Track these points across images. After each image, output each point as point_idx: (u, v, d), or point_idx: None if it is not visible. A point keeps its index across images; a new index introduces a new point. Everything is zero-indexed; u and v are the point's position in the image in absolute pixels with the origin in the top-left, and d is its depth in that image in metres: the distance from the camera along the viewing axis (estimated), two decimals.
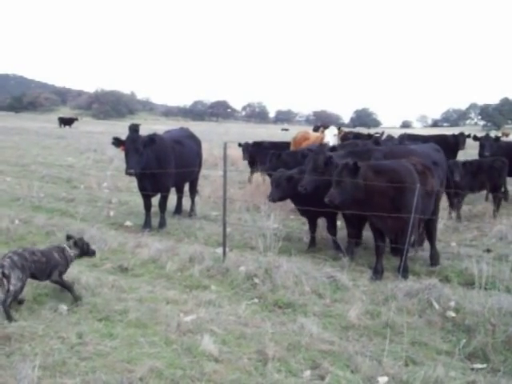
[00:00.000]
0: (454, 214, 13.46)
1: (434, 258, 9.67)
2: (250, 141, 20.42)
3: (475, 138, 18.42)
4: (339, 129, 18.73)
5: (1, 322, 6.51)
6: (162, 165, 11.85)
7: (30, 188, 15.51)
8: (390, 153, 10.46)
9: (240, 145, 19.88)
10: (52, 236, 10.82)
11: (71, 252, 7.68)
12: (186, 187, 14.27)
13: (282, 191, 10.03)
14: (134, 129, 11.60)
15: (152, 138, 11.64)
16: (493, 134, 22.12)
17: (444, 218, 12.32)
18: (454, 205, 13.57)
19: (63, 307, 7.10)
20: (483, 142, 17.70)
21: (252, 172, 18.92)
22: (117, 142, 11.67)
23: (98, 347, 6.04)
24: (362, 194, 8.50)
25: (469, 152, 21.36)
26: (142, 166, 11.36)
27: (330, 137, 16.98)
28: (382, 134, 23.26)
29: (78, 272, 8.37)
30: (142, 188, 12.14)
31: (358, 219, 9.80)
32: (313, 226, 10.70)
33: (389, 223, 8.75)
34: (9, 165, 22.23)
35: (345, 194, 8.49)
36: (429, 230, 10.02)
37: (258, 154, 18.70)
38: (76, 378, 5.28)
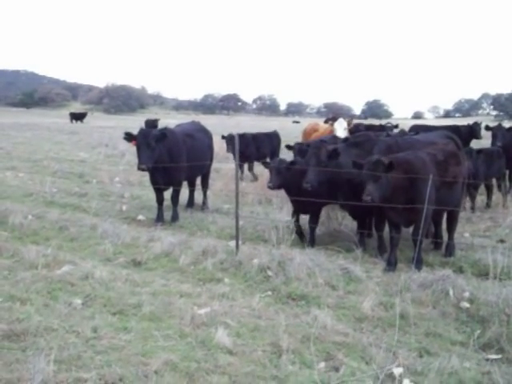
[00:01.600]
0: (468, 205, 13.39)
1: (450, 250, 9.64)
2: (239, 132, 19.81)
3: (487, 128, 18.28)
4: (349, 120, 18.64)
5: (16, 317, 6.56)
6: (174, 158, 11.86)
7: (43, 183, 15.59)
8: (395, 144, 10.37)
9: (223, 137, 19.46)
10: (65, 231, 10.87)
11: None
12: (198, 181, 14.26)
13: (282, 179, 10.01)
14: (151, 124, 11.63)
15: (163, 133, 11.62)
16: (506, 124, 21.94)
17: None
18: (471, 195, 13.47)
19: (77, 301, 7.14)
20: (495, 131, 17.57)
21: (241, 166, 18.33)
22: (128, 136, 11.67)
23: (112, 341, 6.06)
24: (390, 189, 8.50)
25: (481, 142, 21.21)
26: (154, 160, 11.36)
27: (340, 130, 16.93)
28: (397, 125, 23.14)
29: (91, 266, 8.41)
30: (154, 182, 12.15)
31: (367, 211, 9.77)
32: (297, 216, 10.70)
33: (404, 215, 8.73)
34: (21, 160, 22.29)
35: (382, 191, 8.45)
36: (449, 220, 9.96)
37: (240, 146, 18.26)
38: (91, 372, 5.29)
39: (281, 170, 9.96)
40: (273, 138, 20.07)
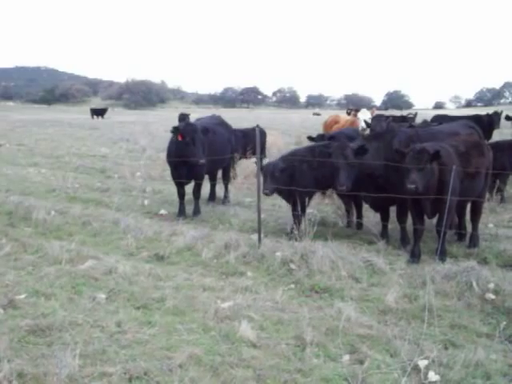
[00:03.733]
0: (491, 196, 13.21)
1: (474, 241, 9.55)
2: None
3: (507, 118, 18.10)
4: (372, 110, 18.53)
5: (41, 312, 6.61)
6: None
7: (65, 179, 15.67)
8: (415, 135, 10.29)
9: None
10: (88, 226, 10.93)
11: None
12: (219, 174, 14.28)
13: (276, 182, 9.97)
14: (183, 118, 11.74)
15: (206, 128, 11.88)
16: None
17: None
18: (497, 186, 13.29)
19: (101, 296, 7.19)
20: None
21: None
22: (176, 131, 11.68)
23: (136, 335, 6.10)
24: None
25: (504, 132, 20.99)
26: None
27: (367, 119, 16.84)
28: (416, 115, 23.00)
29: (114, 261, 8.45)
30: (176, 176, 12.17)
31: (389, 203, 9.72)
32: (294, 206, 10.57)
33: (429, 206, 8.67)
34: (43, 157, 22.46)
35: (426, 180, 8.34)
36: (474, 211, 9.87)
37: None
38: (116, 366, 5.32)
39: (274, 173, 9.92)
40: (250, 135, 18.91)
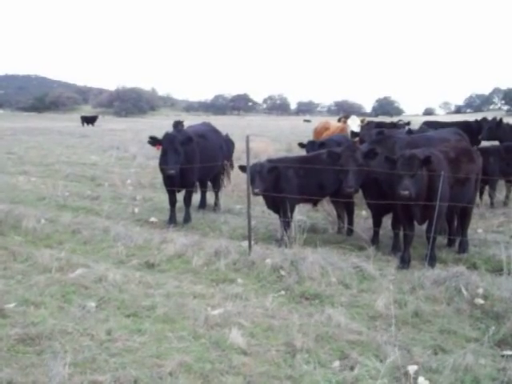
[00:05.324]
0: (480, 201, 13.27)
1: (463, 246, 9.60)
2: None
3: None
4: (362, 120, 18.59)
5: (31, 321, 6.59)
6: (189, 160, 11.90)
7: (55, 187, 15.63)
8: (412, 141, 10.40)
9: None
10: (78, 234, 10.90)
11: None
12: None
13: (264, 182, 10.00)
14: (176, 125, 11.82)
15: (189, 137, 11.82)
16: None
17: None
18: (488, 192, 13.36)
19: (91, 304, 7.16)
20: (483, 124, 17.79)
21: None
22: (153, 140, 11.80)
23: (126, 343, 6.09)
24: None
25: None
26: (180, 164, 11.54)
27: (355, 127, 16.91)
28: (409, 123, 23.05)
29: (104, 269, 8.44)
30: (168, 184, 12.17)
31: (384, 208, 9.75)
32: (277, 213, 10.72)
33: (419, 212, 8.71)
34: (33, 165, 22.38)
35: (417, 185, 8.40)
36: (463, 217, 9.91)
37: None
38: (106, 374, 5.31)
39: (263, 173, 9.95)
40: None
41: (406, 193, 8.25)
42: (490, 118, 19.97)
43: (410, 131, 14.32)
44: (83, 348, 5.92)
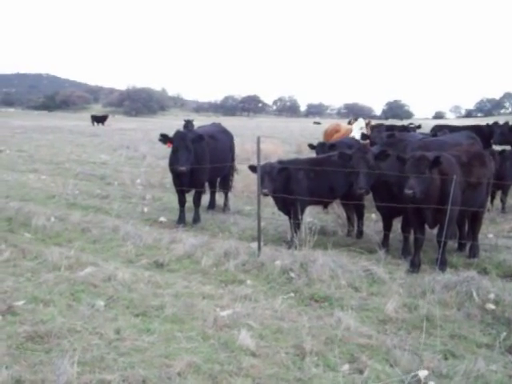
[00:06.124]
0: (491, 206, 13.18)
1: (474, 251, 9.54)
2: None
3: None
4: (368, 123, 18.55)
5: (40, 318, 6.59)
6: (199, 160, 11.90)
7: (65, 186, 15.64)
8: (424, 145, 10.37)
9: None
10: (87, 233, 10.92)
11: None
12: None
13: (274, 183, 9.97)
14: (187, 125, 11.80)
15: (200, 135, 11.83)
16: None
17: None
18: (500, 197, 13.28)
19: (100, 303, 7.16)
20: (495, 129, 17.67)
21: None
22: (164, 138, 11.82)
23: (135, 343, 6.07)
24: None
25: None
26: (191, 162, 11.54)
27: (356, 130, 16.91)
28: (419, 126, 22.98)
29: (114, 268, 8.44)
30: (177, 184, 12.18)
31: (394, 211, 9.70)
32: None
33: (430, 215, 8.67)
34: (44, 163, 22.44)
35: (424, 186, 8.36)
36: (474, 221, 9.85)
37: None
38: (115, 374, 5.30)
39: (273, 174, 9.94)
40: None
41: (410, 192, 8.22)
42: (501, 122, 19.90)
43: (435, 134, 14.25)
44: (92, 347, 5.92)
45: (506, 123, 18.68)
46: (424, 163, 8.30)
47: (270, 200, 11.15)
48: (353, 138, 14.83)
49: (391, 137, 13.10)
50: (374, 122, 21.23)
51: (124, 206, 13.62)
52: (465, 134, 12.32)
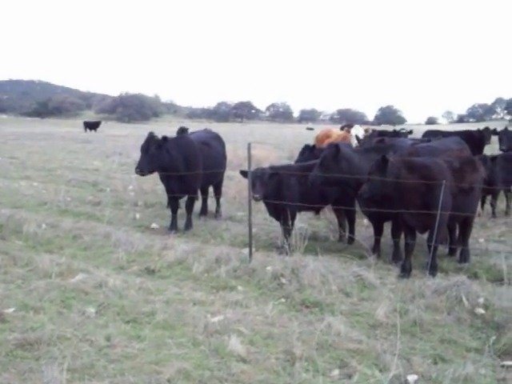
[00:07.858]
0: (481, 211, 13.25)
1: (464, 255, 9.59)
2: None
3: (494, 133, 18.25)
4: (367, 130, 18.60)
5: (30, 326, 6.58)
6: (191, 167, 11.92)
7: (57, 192, 15.62)
8: (415, 151, 10.39)
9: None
10: (79, 239, 10.91)
11: None
12: (210, 188, 14.28)
13: (265, 188, 10.04)
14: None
15: (164, 137, 11.81)
16: None
17: None
18: (490, 201, 13.35)
19: (91, 310, 7.15)
20: (501, 136, 17.58)
21: None
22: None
23: (125, 349, 6.07)
24: (391, 189, 8.50)
25: (496, 147, 21.09)
26: (154, 166, 11.67)
27: (354, 138, 16.94)
28: (411, 131, 23.06)
29: (105, 275, 8.43)
30: (169, 190, 12.21)
31: (381, 216, 9.73)
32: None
33: (420, 220, 8.71)
34: (36, 170, 22.40)
35: (374, 189, 8.54)
36: (464, 226, 9.89)
37: None
38: (104, 381, 5.30)
39: (264, 179, 9.98)
40: None
41: (366, 195, 8.71)
42: (491, 127, 19.96)
43: (429, 140, 14.25)
44: (82, 354, 5.91)
45: None
46: (383, 165, 8.54)
47: (261, 206, 11.17)
48: (344, 144, 14.86)
49: (381, 142, 13.16)
50: (371, 130, 21.24)
51: (116, 213, 13.61)
52: (453, 140, 12.37)
